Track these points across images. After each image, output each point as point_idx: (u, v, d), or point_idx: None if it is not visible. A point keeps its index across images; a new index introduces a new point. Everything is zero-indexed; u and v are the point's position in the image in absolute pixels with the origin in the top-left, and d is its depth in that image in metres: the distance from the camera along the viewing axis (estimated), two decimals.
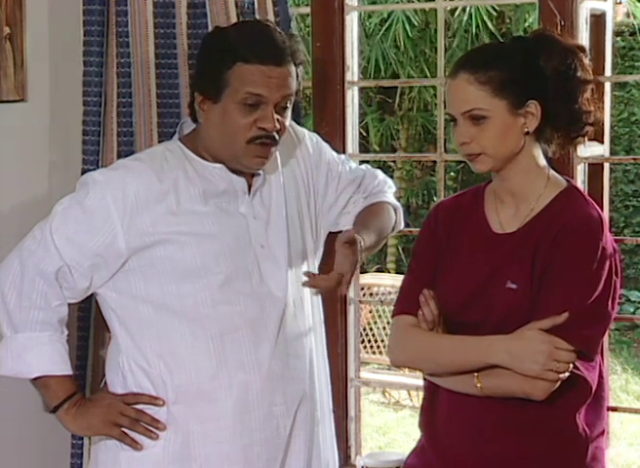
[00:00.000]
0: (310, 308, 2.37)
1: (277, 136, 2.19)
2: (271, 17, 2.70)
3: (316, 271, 2.44)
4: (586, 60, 2.10)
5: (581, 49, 2.12)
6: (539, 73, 2.05)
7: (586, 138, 2.19)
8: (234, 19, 2.70)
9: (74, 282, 2.21)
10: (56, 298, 2.21)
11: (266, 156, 2.21)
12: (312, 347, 2.35)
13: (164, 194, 2.19)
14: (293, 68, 2.18)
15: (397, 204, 2.54)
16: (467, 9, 8.74)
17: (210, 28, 2.70)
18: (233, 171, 2.24)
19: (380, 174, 2.55)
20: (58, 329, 2.23)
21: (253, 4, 2.70)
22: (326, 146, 2.49)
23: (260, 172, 2.27)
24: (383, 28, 8.96)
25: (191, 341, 2.20)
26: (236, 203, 2.24)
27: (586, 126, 2.11)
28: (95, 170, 2.72)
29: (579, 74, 2.07)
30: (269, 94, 2.15)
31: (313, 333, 2.37)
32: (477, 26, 8.83)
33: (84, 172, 2.80)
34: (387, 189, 2.53)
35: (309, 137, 2.45)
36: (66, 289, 2.22)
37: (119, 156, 2.77)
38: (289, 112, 2.22)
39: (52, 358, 2.22)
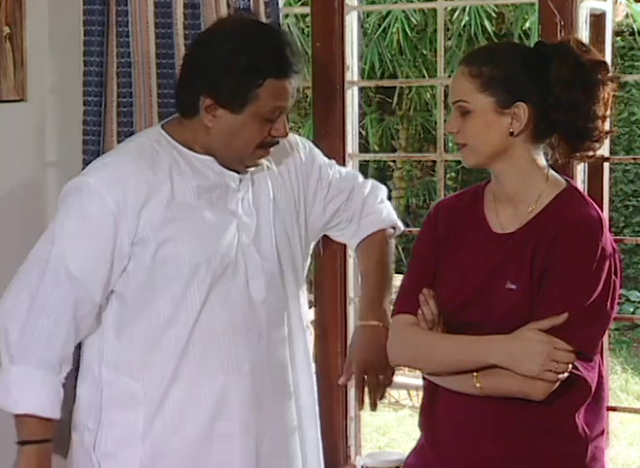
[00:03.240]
0: (295, 314, 2.33)
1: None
2: (263, 18, 2.69)
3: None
4: (607, 78, 2.06)
5: (602, 65, 2.08)
6: (537, 78, 2.05)
7: (587, 159, 2.18)
8: None
9: (94, 299, 2.15)
10: (61, 338, 2.15)
11: (266, 156, 2.23)
12: (294, 352, 2.31)
13: (159, 187, 2.15)
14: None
15: (393, 219, 2.49)
16: (467, 9, 8.74)
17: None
18: (222, 165, 2.22)
19: (368, 185, 2.49)
20: (55, 369, 2.16)
21: (249, 7, 2.70)
22: (318, 153, 2.46)
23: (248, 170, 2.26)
24: (381, 28, 8.95)
25: (174, 345, 2.16)
26: (226, 198, 2.21)
27: (591, 143, 2.09)
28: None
29: (588, 89, 2.05)
30: (288, 104, 2.17)
31: (296, 339, 2.33)
32: (476, 27, 8.83)
33: None
34: (379, 204, 2.48)
35: (302, 145, 2.42)
36: (86, 316, 2.16)
37: None
38: None
39: (39, 398, 2.15)
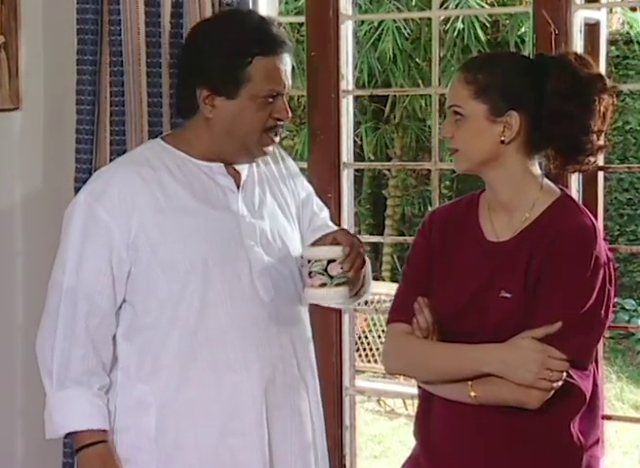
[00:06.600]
0: (304, 313, 2.33)
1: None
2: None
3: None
4: (604, 92, 2.06)
5: (600, 79, 2.09)
6: (533, 88, 2.05)
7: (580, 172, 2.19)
8: None
9: (102, 309, 2.19)
10: (78, 354, 2.18)
11: (273, 144, 2.24)
12: (303, 350, 2.30)
13: (148, 191, 2.17)
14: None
15: None
16: (461, 17, 8.76)
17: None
18: (224, 162, 2.23)
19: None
20: (83, 384, 2.19)
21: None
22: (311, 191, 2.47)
23: (246, 171, 2.27)
24: (373, 37, 8.95)
25: (179, 347, 2.17)
26: (225, 199, 2.22)
27: (585, 157, 2.09)
28: (86, 177, 2.72)
29: (584, 103, 2.05)
30: (283, 87, 2.19)
31: (304, 339, 2.32)
32: (470, 36, 8.85)
33: (77, 180, 2.81)
34: None
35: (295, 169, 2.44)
36: (98, 328, 2.19)
37: None
38: None
39: (70, 416, 2.19)
